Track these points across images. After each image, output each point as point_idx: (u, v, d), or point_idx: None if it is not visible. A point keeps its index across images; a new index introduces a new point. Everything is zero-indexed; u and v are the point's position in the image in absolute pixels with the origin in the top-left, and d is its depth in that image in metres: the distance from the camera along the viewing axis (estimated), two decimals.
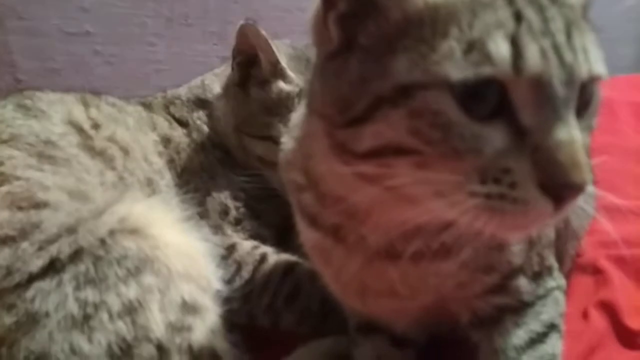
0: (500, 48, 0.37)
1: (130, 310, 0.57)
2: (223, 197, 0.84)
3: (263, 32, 0.85)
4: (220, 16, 1.41)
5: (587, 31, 0.41)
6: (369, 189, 0.44)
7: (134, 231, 0.61)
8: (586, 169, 0.38)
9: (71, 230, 0.59)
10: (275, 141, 0.81)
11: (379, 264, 0.53)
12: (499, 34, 0.37)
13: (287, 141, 0.60)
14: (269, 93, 0.84)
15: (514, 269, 0.57)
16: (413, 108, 0.38)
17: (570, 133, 0.38)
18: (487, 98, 0.38)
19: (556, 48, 0.38)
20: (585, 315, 0.76)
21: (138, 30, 1.36)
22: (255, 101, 0.86)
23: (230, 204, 0.84)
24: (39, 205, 0.62)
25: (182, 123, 0.91)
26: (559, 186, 0.38)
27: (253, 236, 0.86)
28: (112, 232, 0.59)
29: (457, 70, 0.37)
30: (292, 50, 0.91)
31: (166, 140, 0.87)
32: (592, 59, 0.39)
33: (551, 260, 0.63)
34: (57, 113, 0.78)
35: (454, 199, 0.39)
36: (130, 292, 0.57)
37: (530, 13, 0.38)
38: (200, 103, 0.95)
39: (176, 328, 0.59)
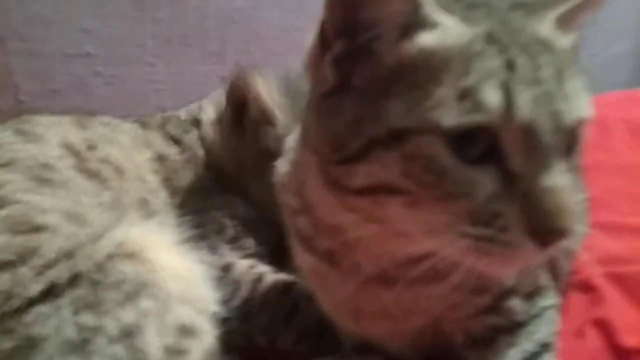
0: (492, 96, 0.38)
1: (128, 334, 0.57)
2: (218, 216, 0.84)
3: (255, 81, 0.86)
4: (219, 36, 1.43)
5: (576, 75, 0.42)
6: (362, 222, 0.45)
7: (131, 255, 0.62)
8: (571, 215, 0.39)
9: (69, 255, 0.60)
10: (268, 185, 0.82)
11: (372, 288, 0.54)
12: (491, 83, 0.38)
13: (283, 164, 0.62)
14: (260, 137, 0.85)
15: (507, 290, 0.58)
16: (406, 152, 0.40)
17: (557, 180, 0.40)
18: (478, 143, 0.39)
19: (547, 96, 0.39)
20: (579, 333, 0.76)
21: (138, 51, 1.38)
22: (250, 142, 0.87)
23: (226, 222, 0.84)
24: (38, 228, 0.63)
25: (176, 141, 0.91)
26: (545, 232, 0.39)
27: (250, 255, 0.86)
28: (109, 257, 0.60)
29: (450, 117, 0.38)
30: (285, 86, 0.91)
31: (161, 159, 0.87)
32: (581, 104, 0.41)
33: (544, 280, 0.64)
34: (53, 136, 0.79)
35: (445, 238, 0.41)
36: (128, 316, 0.58)
37: (522, 61, 0.40)
38: (197, 123, 0.96)
39: (173, 351, 0.60)
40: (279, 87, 0.89)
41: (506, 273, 0.49)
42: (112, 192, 0.76)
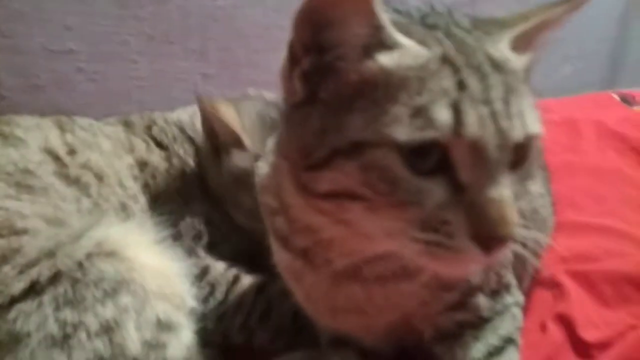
0: (442, 115, 0.41)
1: (107, 329, 0.59)
2: (197, 223, 0.86)
3: (219, 109, 0.87)
4: (201, 34, 1.43)
5: (526, 95, 0.45)
6: (330, 224, 0.49)
7: (110, 254, 0.64)
8: (511, 224, 0.43)
9: (50, 254, 0.61)
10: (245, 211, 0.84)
11: (346, 285, 0.56)
12: (442, 102, 0.41)
13: (263, 166, 0.64)
14: (230, 159, 0.87)
15: (473, 288, 0.60)
16: (364, 162, 0.43)
17: (500, 192, 0.43)
18: (430, 156, 0.42)
19: (493, 115, 0.42)
20: (543, 327, 0.79)
21: (120, 48, 1.37)
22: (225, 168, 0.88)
23: (204, 229, 0.86)
24: (19, 232, 0.65)
25: (162, 146, 0.92)
26: (487, 238, 0.43)
27: (226, 259, 0.87)
28: (89, 256, 0.62)
29: (404, 132, 0.41)
30: (258, 108, 0.92)
31: (142, 164, 0.88)
32: (528, 122, 0.44)
33: (509, 279, 0.67)
34: (34, 140, 0.80)
35: (400, 241, 0.45)
36: (107, 312, 0.60)
37: (472, 82, 0.42)
38: (190, 139, 0.96)
39: (152, 345, 0.62)
40: (250, 112, 0.90)
41: (457, 274, 0.52)
42: (91, 199, 0.78)
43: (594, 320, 0.79)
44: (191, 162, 0.91)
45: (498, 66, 0.45)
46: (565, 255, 0.90)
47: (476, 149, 0.42)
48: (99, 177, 0.81)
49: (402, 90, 0.42)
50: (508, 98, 0.43)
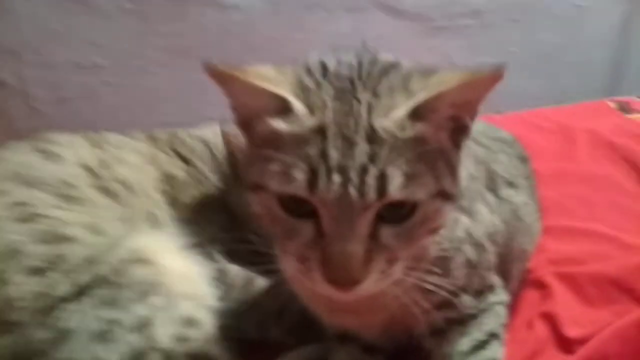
0: (300, 176, 0.50)
1: (141, 325, 0.68)
2: (214, 230, 0.92)
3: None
4: (218, 48, 1.49)
5: (403, 162, 0.50)
6: None
7: (142, 260, 0.72)
8: (354, 273, 0.51)
9: (92, 261, 0.70)
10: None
11: None
12: (301, 166, 0.50)
13: None
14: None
15: (458, 288, 0.65)
16: (260, 199, 0.54)
17: (345, 246, 0.50)
18: (303, 204, 0.51)
19: (345, 182, 0.49)
20: (530, 325, 0.84)
21: (143, 62, 1.46)
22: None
23: (219, 236, 0.92)
24: (64, 239, 0.73)
25: (185, 160, 0.98)
26: (333, 279, 0.52)
27: (243, 264, 0.92)
28: (125, 262, 0.71)
29: (275, 185, 0.52)
30: None
31: (166, 177, 0.94)
32: (390, 189, 0.49)
33: (492, 280, 0.72)
34: (70, 156, 0.87)
35: (289, 262, 0.56)
36: (141, 310, 0.68)
37: (333, 152, 0.50)
38: (212, 154, 1.01)
39: (179, 339, 0.70)
40: None
41: (333, 297, 0.56)
42: (124, 208, 0.85)
43: (578, 318, 0.84)
44: (212, 175, 0.98)
45: (374, 135, 0.50)
46: (554, 258, 0.95)
47: (329, 207, 0.50)
48: (129, 189, 0.88)
49: (281, 152, 0.51)
50: (368, 167, 0.49)
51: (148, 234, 0.77)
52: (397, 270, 0.55)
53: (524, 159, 0.95)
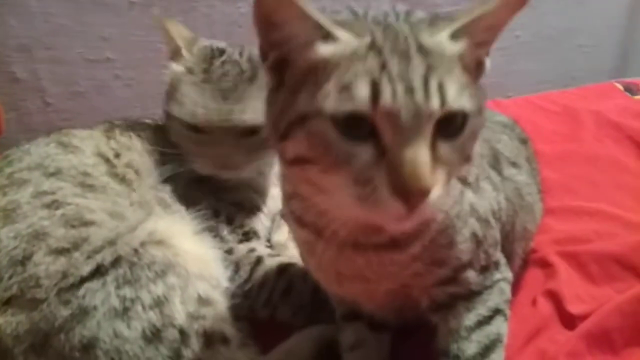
0: (362, 91, 0.49)
1: (159, 303, 0.71)
2: (212, 202, 0.95)
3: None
4: (226, 39, 1.50)
5: (454, 75, 0.51)
6: (305, 187, 0.58)
7: (160, 242, 0.76)
8: (424, 179, 0.49)
9: (112, 242, 0.74)
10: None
11: (348, 253, 0.63)
12: (363, 80, 0.50)
13: None
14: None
15: (463, 264, 0.67)
16: (308, 130, 0.52)
17: (414, 153, 0.49)
18: (361, 125, 0.50)
19: (409, 90, 0.49)
20: (534, 302, 0.86)
21: (153, 55, 1.46)
22: None
23: (218, 205, 0.95)
24: (87, 223, 0.77)
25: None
26: (404, 192, 0.49)
27: (247, 232, 0.96)
28: (143, 244, 0.74)
29: (331, 105, 0.50)
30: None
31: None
32: (449, 98, 0.50)
33: (497, 257, 0.73)
34: (88, 147, 0.91)
35: (342, 196, 0.53)
36: (158, 289, 0.72)
37: (393, 63, 0.50)
38: None
39: (194, 317, 0.74)
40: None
41: (394, 228, 0.56)
42: (137, 193, 0.89)
43: (581, 295, 0.86)
44: None
45: (425, 50, 0.51)
46: (558, 238, 0.97)
47: (393, 118, 0.49)
48: (139, 174, 0.92)
49: (334, 73, 0.51)
50: (428, 76, 0.50)
51: (164, 219, 0.81)
52: (449, 194, 0.55)
53: (524, 141, 0.96)
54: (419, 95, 0.49)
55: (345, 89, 0.50)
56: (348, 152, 0.51)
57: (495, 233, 0.72)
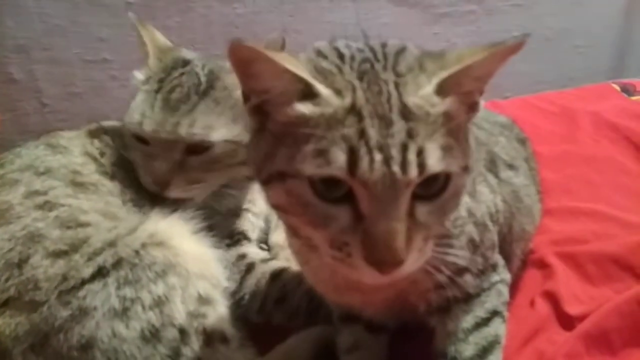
0: (339, 157, 0.49)
1: (159, 303, 0.71)
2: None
3: None
4: (223, 40, 1.51)
5: (437, 138, 0.50)
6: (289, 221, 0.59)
7: (160, 243, 0.76)
8: (400, 253, 0.50)
9: (112, 244, 0.74)
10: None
11: None
12: (340, 147, 0.49)
13: None
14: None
15: (460, 269, 0.67)
16: (286, 188, 0.52)
17: (389, 225, 0.49)
18: (338, 188, 0.50)
19: (387, 160, 0.48)
20: (532, 303, 0.86)
21: None
22: None
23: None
24: (82, 224, 0.76)
25: None
26: (377, 262, 0.50)
27: (233, 235, 0.93)
28: (144, 245, 0.74)
29: (309, 168, 0.50)
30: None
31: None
32: (429, 164, 0.49)
33: (495, 259, 0.73)
34: (75, 147, 0.91)
35: (321, 247, 0.54)
36: (159, 289, 0.72)
37: (372, 131, 0.49)
38: None
39: (194, 316, 0.74)
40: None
41: (367, 282, 0.55)
42: (130, 190, 0.89)
43: (579, 296, 0.86)
44: None
45: (407, 112, 0.50)
46: (557, 239, 0.97)
47: (369, 188, 0.49)
48: (127, 172, 0.91)
49: (313, 135, 0.50)
50: (408, 143, 0.49)
51: (164, 219, 0.81)
52: (429, 249, 0.54)
53: (522, 141, 0.97)
54: (397, 165, 0.49)
55: (323, 153, 0.49)
56: (325, 214, 0.51)
57: (493, 236, 0.73)
